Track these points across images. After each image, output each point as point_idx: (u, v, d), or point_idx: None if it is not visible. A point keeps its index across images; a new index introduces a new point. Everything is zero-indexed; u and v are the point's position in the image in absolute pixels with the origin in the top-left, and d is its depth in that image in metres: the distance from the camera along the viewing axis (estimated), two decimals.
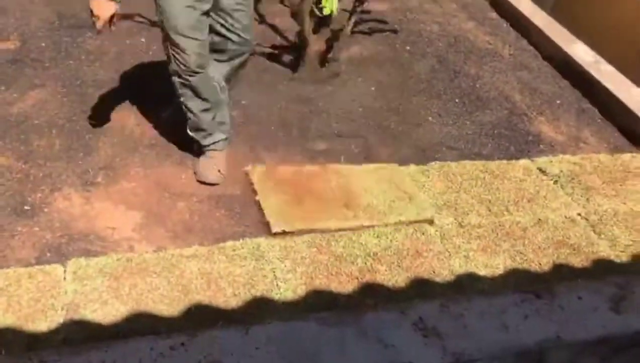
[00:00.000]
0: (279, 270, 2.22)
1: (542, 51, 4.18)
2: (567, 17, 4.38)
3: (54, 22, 3.79)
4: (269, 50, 3.80)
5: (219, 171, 2.64)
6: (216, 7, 2.40)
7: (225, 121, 2.66)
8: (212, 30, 2.46)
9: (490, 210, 2.65)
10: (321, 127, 3.14)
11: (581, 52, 3.99)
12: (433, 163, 2.93)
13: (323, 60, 3.58)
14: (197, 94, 2.48)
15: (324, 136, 3.07)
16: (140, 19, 3.88)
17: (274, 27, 4.11)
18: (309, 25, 3.40)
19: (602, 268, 2.38)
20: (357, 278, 2.22)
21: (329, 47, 3.63)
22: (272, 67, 3.64)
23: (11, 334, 1.87)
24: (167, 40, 2.37)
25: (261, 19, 4.19)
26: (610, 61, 3.83)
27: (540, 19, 4.39)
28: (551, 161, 3.05)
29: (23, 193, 2.47)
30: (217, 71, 2.58)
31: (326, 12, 3.32)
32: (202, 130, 2.60)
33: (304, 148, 2.96)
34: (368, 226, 2.47)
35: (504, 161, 3.02)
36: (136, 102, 3.11)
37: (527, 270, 2.34)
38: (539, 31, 4.26)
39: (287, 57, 3.72)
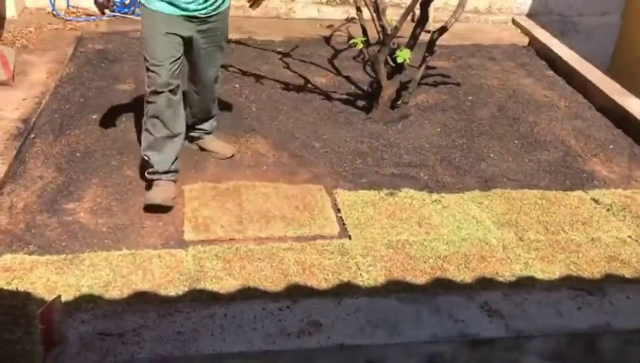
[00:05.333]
0: (362, 264, 2.60)
1: (596, 103, 4.51)
2: (623, 76, 4.74)
3: None
4: (345, 96, 4.30)
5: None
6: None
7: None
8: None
9: (547, 229, 2.97)
10: (393, 158, 3.56)
11: (635, 105, 4.31)
12: (495, 189, 3.28)
13: (394, 104, 4.04)
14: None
15: (395, 165, 3.49)
16: (233, 69, 4.49)
17: (348, 79, 4.64)
18: (383, 71, 3.89)
19: None
20: (429, 274, 2.57)
21: (400, 94, 4.10)
22: (348, 109, 4.12)
23: (149, 296, 2.31)
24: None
25: (337, 72, 4.74)
26: None
27: (595, 76, 4.75)
28: (604, 194, 3.34)
29: None
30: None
31: (399, 60, 3.80)
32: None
33: (379, 173, 3.38)
34: (437, 238, 2.83)
35: (560, 192, 3.34)
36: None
37: (580, 277, 2.63)
38: (594, 86, 4.61)
39: (360, 103, 4.21)
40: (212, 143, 3.35)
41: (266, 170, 3.33)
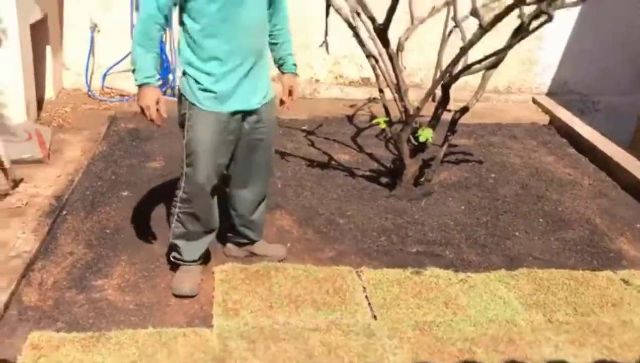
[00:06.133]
0: (388, 346, 2.56)
1: (621, 181, 4.50)
2: None
3: None
4: (368, 173, 4.37)
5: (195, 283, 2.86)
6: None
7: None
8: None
9: (576, 310, 2.91)
10: (418, 236, 3.57)
11: None
12: (521, 269, 3.25)
13: (417, 181, 4.09)
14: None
15: (420, 242, 3.50)
16: None
17: (371, 156, 4.72)
18: (406, 150, 3.96)
19: None
20: (457, 357, 2.52)
21: (422, 172, 4.15)
22: (371, 186, 4.18)
23: None
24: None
25: (360, 149, 4.83)
26: None
27: (618, 154, 4.76)
28: (633, 274, 3.29)
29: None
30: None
31: (421, 139, 3.88)
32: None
33: (404, 251, 3.38)
34: (465, 319, 2.80)
35: (588, 272, 3.29)
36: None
37: (614, 362, 2.56)
38: (617, 165, 4.62)
39: (383, 179, 4.27)
40: (261, 246, 3.18)
41: (291, 247, 3.35)
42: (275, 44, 2.88)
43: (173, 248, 2.93)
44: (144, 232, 3.35)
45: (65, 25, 5.46)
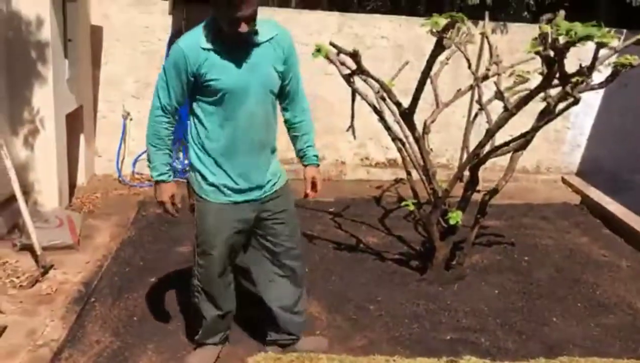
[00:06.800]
0: None
1: None
2: None
3: None
4: (397, 256, 4.29)
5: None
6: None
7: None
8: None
9: None
10: (451, 322, 3.45)
11: None
12: (562, 357, 3.09)
13: (448, 264, 4.00)
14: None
15: (454, 329, 3.37)
16: None
17: (400, 238, 4.66)
18: (436, 233, 3.90)
19: None
20: None
21: (453, 254, 4.06)
22: (401, 270, 4.09)
23: None
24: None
25: (389, 232, 4.78)
26: None
27: None
28: None
29: None
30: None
31: (451, 222, 3.82)
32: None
33: (437, 339, 3.26)
34: None
35: (634, 360, 3.11)
36: None
37: None
38: None
39: (414, 262, 4.18)
40: (302, 343, 3.04)
41: (320, 334, 3.26)
42: (296, 136, 2.84)
43: (195, 329, 2.99)
44: (171, 320, 3.30)
45: (99, 114, 5.65)
